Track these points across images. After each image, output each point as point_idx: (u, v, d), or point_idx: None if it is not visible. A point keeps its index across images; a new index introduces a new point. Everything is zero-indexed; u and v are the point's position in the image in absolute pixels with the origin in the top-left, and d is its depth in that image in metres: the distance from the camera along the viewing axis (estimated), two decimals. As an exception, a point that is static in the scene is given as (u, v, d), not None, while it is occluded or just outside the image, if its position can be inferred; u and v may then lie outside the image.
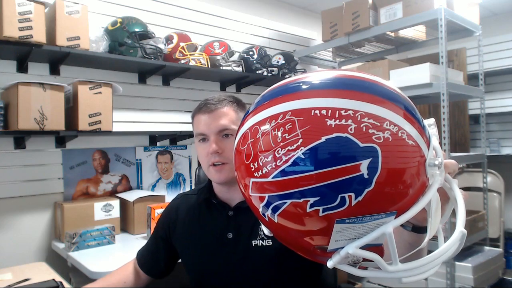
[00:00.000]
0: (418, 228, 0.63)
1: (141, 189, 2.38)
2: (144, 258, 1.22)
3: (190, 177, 2.61)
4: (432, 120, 0.57)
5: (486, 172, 2.73)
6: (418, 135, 0.51)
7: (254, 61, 2.67)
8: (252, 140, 0.54)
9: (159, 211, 1.94)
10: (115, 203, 2.04)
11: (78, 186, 2.13)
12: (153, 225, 1.91)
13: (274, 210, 0.52)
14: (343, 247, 0.50)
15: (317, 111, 0.49)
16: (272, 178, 0.50)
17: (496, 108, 3.57)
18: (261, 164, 0.52)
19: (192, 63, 2.32)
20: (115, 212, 2.03)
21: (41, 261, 1.93)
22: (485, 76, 2.80)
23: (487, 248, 2.65)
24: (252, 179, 0.53)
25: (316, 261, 0.59)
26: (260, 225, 1.01)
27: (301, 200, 0.48)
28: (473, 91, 2.64)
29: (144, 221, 2.04)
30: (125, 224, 2.11)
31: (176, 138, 2.52)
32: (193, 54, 2.36)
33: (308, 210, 0.48)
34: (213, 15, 2.79)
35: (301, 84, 0.54)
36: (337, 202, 0.47)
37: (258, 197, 0.53)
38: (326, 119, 0.48)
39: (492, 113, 3.46)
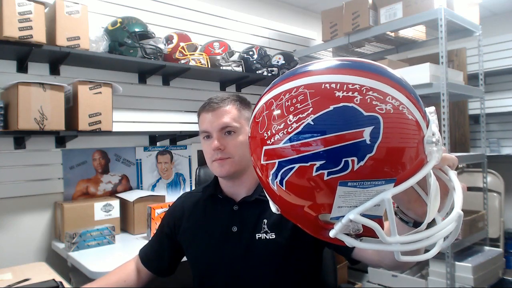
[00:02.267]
0: (419, 223, 0.65)
1: (141, 189, 2.38)
2: (148, 256, 1.23)
3: (190, 177, 2.61)
4: (432, 108, 0.59)
5: (486, 172, 2.73)
6: (418, 113, 0.55)
7: (254, 61, 2.67)
8: (267, 112, 0.59)
9: (159, 211, 1.94)
10: (115, 203, 2.04)
11: (78, 186, 2.13)
12: (153, 225, 1.91)
13: (283, 175, 0.56)
14: (344, 216, 0.54)
15: (327, 85, 0.54)
16: (283, 143, 0.54)
17: (496, 108, 3.57)
18: (273, 131, 0.56)
19: (192, 63, 2.32)
20: (115, 212, 2.03)
21: (41, 261, 1.93)
22: (485, 76, 2.80)
23: (487, 248, 2.65)
24: (265, 147, 0.57)
25: (319, 237, 0.62)
26: (264, 219, 1.06)
27: (308, 164, 0.52)
28: (473, 91, 2.64)
29: (144, 221, 2.04)
30: (125, 224, 2.11)
31: (176, 138, 2.52)
32: (193, 54, 2.36)
33: (314, 173, 0.52)
34: (213, 15, 2.79)
35: (312, 65, 0.60)
36: (340, 166, 0.51)
37: (269, 164, 0.57)
38: (335, 91, 0.53)
39: (492, 113, 3.46)
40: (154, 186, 2.45)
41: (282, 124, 0.55)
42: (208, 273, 1.11)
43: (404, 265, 0.87)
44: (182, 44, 2.34)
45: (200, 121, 1.11)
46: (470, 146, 3.58)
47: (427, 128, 0.56)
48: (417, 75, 2.33)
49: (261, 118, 0.60)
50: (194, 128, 2.60)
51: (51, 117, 1.78)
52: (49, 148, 2.05)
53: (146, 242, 1.30)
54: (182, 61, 2.32)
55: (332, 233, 0.55)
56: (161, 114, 2.48)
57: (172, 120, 2.52)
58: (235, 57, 2.70)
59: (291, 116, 0.54)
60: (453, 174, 0.61)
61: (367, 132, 0.51)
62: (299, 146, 0.53)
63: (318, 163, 0.52)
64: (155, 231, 1.28)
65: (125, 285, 1.17)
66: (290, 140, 0.54)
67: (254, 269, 1.04)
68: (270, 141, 0.56)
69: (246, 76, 2.64)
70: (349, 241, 0.56)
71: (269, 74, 2.74)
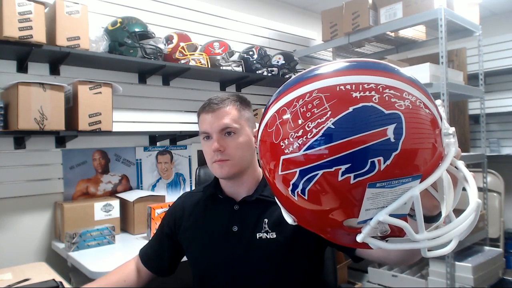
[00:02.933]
0: (429, 218, 0.65)
1: (141, 189, 2.38)
2: (148, 256, 1.23)
3: (190, 177, 2.61)
4: (439, 101, 0.60)
5: (486, 172, 2.74)
6: (433, 107, 0.56)
7: (254, 61, 2.67)
8: (280, 120, 0.57)
9: (159, 211, 1.94)
10: (115, 203, 2.04)
11: (78, 186, 2.13)
12: (153, 225, 1.91)
13: (305, 184, 0.54)
14: (371, 219, 0.53)
15: (341, 87, 0.53)
16: (304, 151, 0.53)
17: (496, 108, 3.56)
18: (291, 140, 0.54)
19: (192, 63, 2.32)
20: (115, 212, 2.03)
21: (41, 261, 1.93)
22: (485, 76, 2.80)
23: (487, 248, 2.65)
24: (283, 157, 0.55)
25: (342, 244, 0.61)
26: (265, 218, 1.06)
27: (333, 169, 0.51)
28: (473, 91, 2.64)
29: (144, 221, 2.04)
30: (125, 224, 2.11)
31: (176, 138, 2.52)
32: (193, 54, 2.36)
33: (340, 178, 0.51)
34: (213, 15, 2.79)
35: (320, 69, 0.59)
36: (367, 167, 0.50)
37: (288, 174, 0.55)
38: (351, 92, 0.52)
39: (492, 113, 3.46)
40: (154, 186, 2.45)
41: (300, 131, 0.53)
42: (208, 273, 1.11)
43: (408, 261, 0.87)
44: (182, 44, 2.34)
45: (200, 121, 1.10)
46: (470, 146, 3.58)
47: (441, 121, 0.56)
48: (417, 75, 2.26)
49: (274, 127, 0.58)
50: (194, 128, 2.59)
51: (51, 117, 1.77)
52: (49, 148, 2.05)
53: (146, 242, 1.30)
54: (182, 61, 2.32)
55: (360, 238, 0.54)
56: (161, 114, 2.48)
57: (172, 120, 2.52)
58: (235, 57, 2.70)
59: (309, 122, 0.53)
60: (461, 164, 0.60)
61: (390, 130, 0.50)
62: (321, 152, 0.51)
63: (343, 167, 0.50)
64: (155, 231, 1.28)
65: (125, 285, 1.17)
66: (311, 146, 0.52)
67: (255, 268, 1.04)
68: (288, 150, 0.54)
69: (246, 76, 2.64)
70: (377, 244, 0.55)
71: (269, 74, 2.74)
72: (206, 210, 1.15)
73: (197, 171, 1.74)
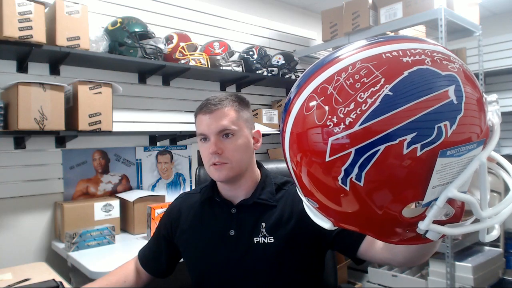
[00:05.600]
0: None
1: (141, 189, 2.38)
2: (146, 257, 1.22)
3: (190, 177, 2.61)
4: (494, 97, 0.56)
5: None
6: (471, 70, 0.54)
7: (254, 61, 2.67)
8: (322, 98, 0.51)
9: (159, 211, 1.94)
10: (115, 203, 2.04)
11: (78, 186, 2.13)
12: (153, 225, 1.91)
13: (362, 167, 0.47)
14: (436, 200, 0.48)
15: (388, 54, 0.49)
16: (360, 125, 0.47)
17: (496, 108, 3.56)
18: (341, 116, 0.48)
19: (192, 63, 2.32)
20: (115, 212, 2.03)
21: (41, 261, 1.93)
22: (485, 76, 2.80)
23: (487, 248, 2.65)
24: (331, 138, 0.49)
25: (393, 242, 0.55)
26: (262, 222, 1.03)
27: (397, 141, 0.46)
28: (473, 91, 2.64)
29: (144, 221, 2.04)
30: (125, 224, 2.11)
31: (176, 138, 2.52)
32: (193, 54, 2.36)
33: (405, 151, 0.46)
34: (213, 15, 2.79)
35: (347, 48, 0.54)
36: (434, 134, 0.46)
37: (339, 158, 0.48)
38: (401, 58, 0.49)
39: (492, 113, 3.45)
40: (154, 186, 2.45)
41: (352, 104, 0.47)
42: (205, 277, 1.09)
43: (415, 262, 0.83)
44: (182, 44, 2.34)
45: (197, 122, 1.07)
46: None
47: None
48: None
49: (313, 109, 0.51)
50: (194, 128, 2.59)
51: (51, 117, 1.77)
52: (49, 148, 2.05)
53: (146, 242, 1.30)
54: (182, 61, 2.31)
55: (424, 224, 0.49)
56: (161, 114, 2.48)
57: (172, 120, 2.52)
58: (235, 57, 2.70)
59: (361, 93, 0.47)
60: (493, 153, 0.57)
61: (451, 91, 0.47)
62: (381, 122, 0.46)
63: (408, 137, 0.45)
64: (153, 233, 1.28)
65: (125, 285, 1.17)
66: (368, 118, 0.46)
67: (252, 273, 1.02)
68: (339, 128, 0.48)
69: (246, 76, 2.64)
70: (441, 230, 0.50)
71: (269, 74, 2.74)
72: (203, 213, 1.13)
73: (197, 171, 1.74)
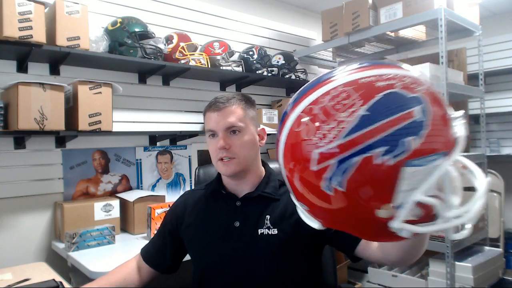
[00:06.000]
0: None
1: (141, 189, 2.38)
2: (150, 253, 1.23)
3: (190, 177, 2.61)
4: (460, 113, 0.63)
5: (486, 172, 2.73)
6: (440, 93, 0.63)
7: (254, 61, 2.67)
8: (309, 117, 0.60)
9: (159, 211, 1.94)
10: (115, 203, 2.04)
11: (78, 186, 2.13)
12: (153, 225, 1.91)
13: (343, 175, 0.56)
14: (405, 202, 0.56)
15: (363, 80, 0.58)
16: (341, 140, 0.56)
17: (496, 108, 3.56)
18: (325, 132, 0.57)
19: (192, 63, 2.32)
20: (115, 212, 2.03)
21: (41, 261, 1.93)
22: (485, 76, 2.80)
23: (487, 248, 2.65)
24: (317, 151, 0.57)
25: (373, 239, 0.66)
26: (267, 214, 1.08)
27: (372, 153, 0.54)
28: (473, 91, 2.64)
29: (144, 221, 2.04)
30: (125, 224, 2.11)
31: (176, 138, 2.52)
32: (193, 54, 2.36)
33: (379, 161, 0.54)
34: (213, 15, 2.79)
35: (336, 71, 0.63)
36: (402, 147, 0.54)
37: (324, 168, 0.57)
38: (375, 83, 0.57)
39: (492, 113, 3.45)
40: (154, 186, 2.45)
41: (335, 122, 0.56)
42: (209, 268, 1.12)
43: (407, 261, 0.89)
44: (182, 44, 2.34)
45: (205, 120, 1.13)
46: (470, 146, 3.58)
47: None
48: None
49: (302, 125, 0.60)
50: (194, 128, 2.60)
51: (51, 117, 1.77)
52: (49, 148, 2.05)
53: (146, 242, 1.30)
54: (182, 61, 2.32)
55: (396, 223, 0.57)
56: (161, 114, 2.48)
57: (172, 120, 2.52)
58: (235, 57, 2.70)
59: (341, 113, 0.56)
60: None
61: (417, 111, 0.55)
62: (359, 137, 0.55)
63: (382, 149, 0.54)
64: (155, 231, 1.28)
65: (125, 284, 1.17)
66: (348, 134, 0.55)
67: (256, 264, 1.06)
68: (324, 141, 0.57)
69: (246, 76, 2.63)
70: (410, 228, 0.57)
71: (269, 74, 2.74)
72: (208, 206, 1.17)
73: (197, 171, 1.74)
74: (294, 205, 1.03)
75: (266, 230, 1.06)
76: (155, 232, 1.29)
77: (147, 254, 1.24)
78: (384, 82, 0.57)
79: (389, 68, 0.60)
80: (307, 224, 1.00)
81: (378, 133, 0.54)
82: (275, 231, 1.06)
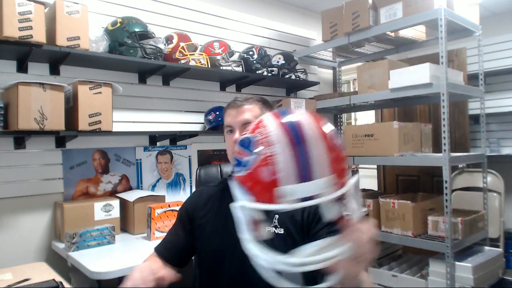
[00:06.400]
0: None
1: (141, 189, 2.38)
2: (167, 249, 1.23)
3: (190, 177, 2.61)
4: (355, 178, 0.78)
5: (486, 172, 2.73)
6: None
7: (254, 61, 2.67)
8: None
9: (159, 211, 1.94)
10: (115, 203, 2.04)
11: (78, 186, 2.13)
12: (153, 225, 1.91)
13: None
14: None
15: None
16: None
17: (496, 108, 3.56)
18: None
19: (192, 63, 2.32)
20: (115, 212, 2.03)
21: (41, 261, 1.93)
22: (485, 76, 2.80)
23: (487, 248, 2.65)
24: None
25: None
26: (276, 214, 1.12)
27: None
28: (473, 91, 2.64)
29: (144, 221, 2.04)
30: (125, 224, 2.11)
31: (176, 138, 2.52)
32: (193, 54, 2.36)
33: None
34: (213, 15, 2.79)
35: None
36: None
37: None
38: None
39: (492, 113, 3.45)
40: (154, 186, 2.45)
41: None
42: (215, 261, 1.14)
43: None
44: (182, 44, 2.34)
45: (225, 117, 1.22)
46: (470, 146, 3.57)
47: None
48: (417, 75, 2.33)
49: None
50: (194, 128, 2.60)
51: (51, 117, 1.77)
52: (49, 148, 2.05)
53: (146, 242, 1.30)
54: (182, 61, 2.32)
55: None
56: (161, 114, 2.48)
57: (172, 120, 2.52)
58: (235, 57, 2.70)
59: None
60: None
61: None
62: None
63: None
64: (155, 231, 1.28)
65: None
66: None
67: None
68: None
69: (246, 76, 2.63)
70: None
71: (269, 74, 2.74)
72: (221, 200, 1.20)
73: (197, 171, 1.74)
74: (303, 209, 1.12)
75: (273, 228, 1.09)
76: (155, 231, 1.28)
77: (164, 251, 1.23)
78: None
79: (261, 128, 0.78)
80: (309, 227, 1.08)
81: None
82: (281, 231, 1.08)
